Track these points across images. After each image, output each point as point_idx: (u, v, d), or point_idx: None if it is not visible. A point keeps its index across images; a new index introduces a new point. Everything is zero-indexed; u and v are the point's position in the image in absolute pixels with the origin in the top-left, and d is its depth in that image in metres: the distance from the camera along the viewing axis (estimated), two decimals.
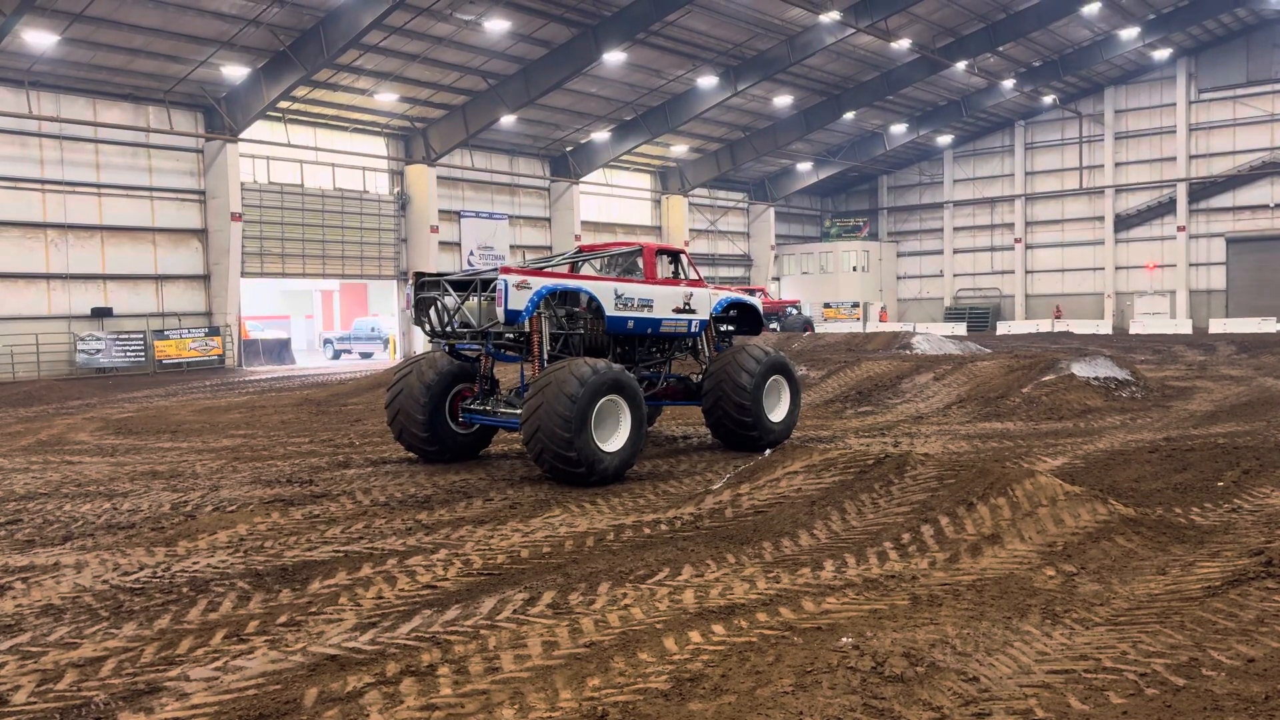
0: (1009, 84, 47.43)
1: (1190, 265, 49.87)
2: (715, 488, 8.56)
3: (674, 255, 12.00)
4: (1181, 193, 49.69)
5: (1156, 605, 5.26)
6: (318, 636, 5.04)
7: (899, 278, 60.95)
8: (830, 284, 59.48)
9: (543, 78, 35.93)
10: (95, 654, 4.86)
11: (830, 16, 34.89)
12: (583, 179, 46.31)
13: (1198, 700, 4.04)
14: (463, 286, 10.31)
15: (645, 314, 10.98)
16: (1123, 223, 52.22)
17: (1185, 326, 46.22)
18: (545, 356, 10.04)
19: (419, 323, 10.74)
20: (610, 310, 10.60)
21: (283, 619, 5.37)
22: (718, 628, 4.96)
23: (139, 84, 31.15)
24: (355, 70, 33.44)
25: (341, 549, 6.94)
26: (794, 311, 45.90)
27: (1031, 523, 6.70)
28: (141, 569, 6.50)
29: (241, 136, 33.41)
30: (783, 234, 60.58)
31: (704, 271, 56.02)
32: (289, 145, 35.68)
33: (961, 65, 42.55)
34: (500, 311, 9.62)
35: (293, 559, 6.68)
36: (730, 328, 12.45)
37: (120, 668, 4.67)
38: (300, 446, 12.56)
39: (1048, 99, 51.33)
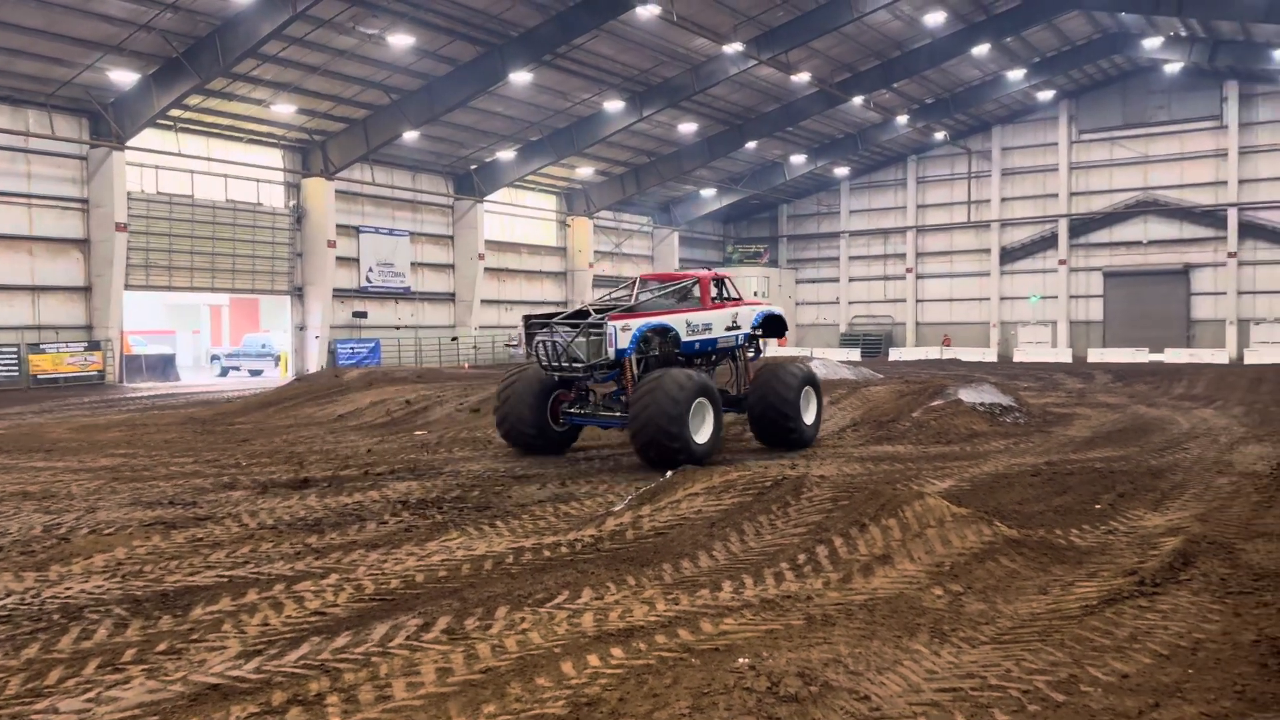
0: (903, 119, 49.25)
1: (1070, 297, 52.36)
2: (616, 509, 8.55)
3: (720, 281, 14.48)
4: (1063, 228, 52.23)
5: (1038, 624, 5.46)
6: (199, 665, 4.83)
7: (797, 304, 62.32)
8: None
9: (448, 95, 35.66)
10: None
11: (733, 48, 35.64)
12: (487, 198, 46.03)
13: (1076, 716, 4.21)
14: (569, 324, 12.72)
15: (707, 335, 13.74)
16: (1008, 255, 54.55)
17: (1066, 355, 48.48)
18: (636, 375, 12.69)
19: (531, 355, 12.96)
20: (684, 337, 13.30)
21: (162, 647, 5.12)
22: (616, 650, 4.94)
23: (18, 86, 29.65)
24: (252, 80, 32.55)
25: (226, 574, 6.68)
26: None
27: (921, 543, 6.90)
28: (8, 595, 6.13)
29: (129, 144, 32.09)
30: (686, 258, 61.25)
31: (600, 293, 56.27)
32: (180, 155, 34.44)
33: (858, 100, 43.99)
34: (611, 351, 12.21)
35: (174, 584, 6.39)
36: (760, 332, 14.89)
37: None
38: (184, 467, 12.06)
39: (939, 135, 53.48)
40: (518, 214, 49.51)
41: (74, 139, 31.57)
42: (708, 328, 13.70)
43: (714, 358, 14.31)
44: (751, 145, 48.35)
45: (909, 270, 58.37)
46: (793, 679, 4.42)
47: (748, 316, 14.38)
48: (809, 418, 14.07)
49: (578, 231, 52.45)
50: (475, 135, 41.66)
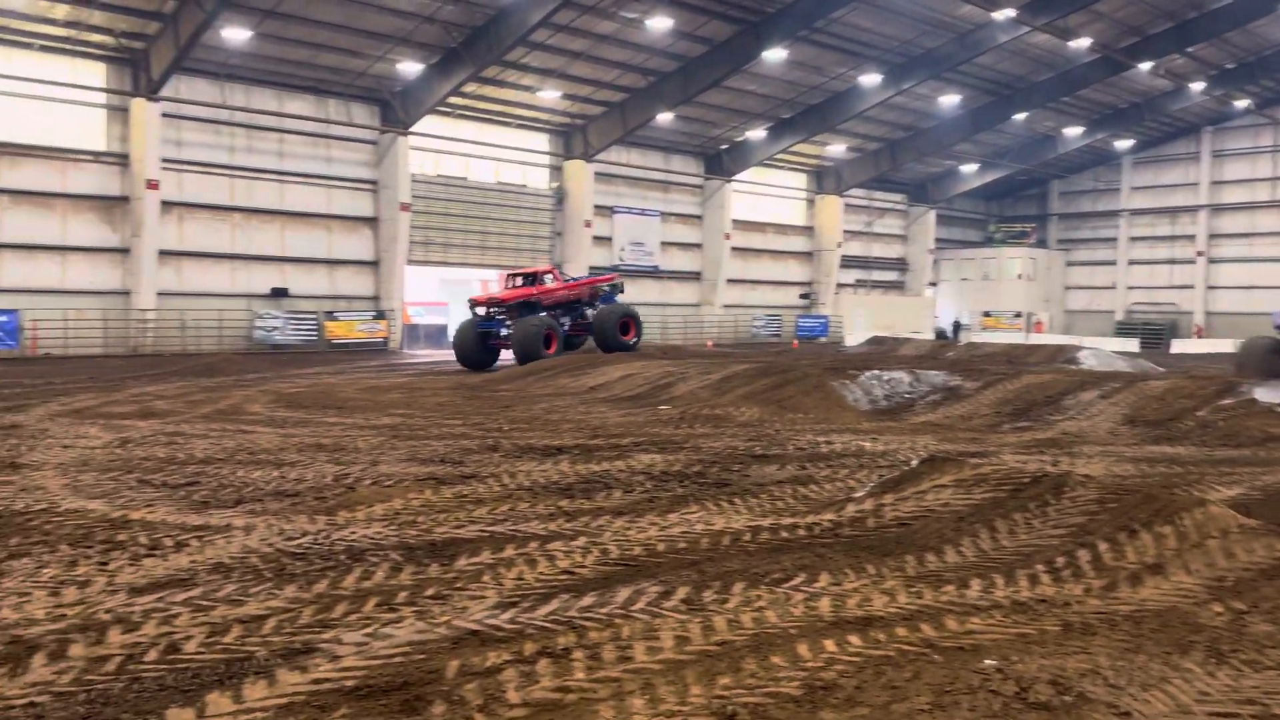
0: (1198, 87, 44.35)
1: None
2: (857, 496, 8.39)
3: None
4: None
5: None
6: (462, 611, 5.23)
7: (1066, 288, 58.03)
8: (991, 292, 57.14)
9: (702, 75, 36.00)
10: (259, 611, 5.20)
11: (1005, 14, 33.51)
12: (735, 177, 46.14)
13: None
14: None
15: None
16: None
17: None
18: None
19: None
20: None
21: (430, 592, 5.59)
22: (854, 638, 4.86)
23: (321, 78, 33.01)
24: (521, 68, 34.40)
25: (487, 529, 7.18)
26: (610, 292, 28.75)
27: (1200, 554, 6.26)
28: (304, 535, 6.90)
29: (413, 130, 34.96)
30: (943, 238, 58.67)
31: (857, 274, 54.89)
32: (456, 139, 37.09)
33: (1146, 66, 40.06)
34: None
35: (442, 535, 6.95)
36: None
37: (280, 626, 4.98)
38: (453, 428, 13.05)
39: (1241, 104, 47.74)
40: (765, 193, 49.29)
41: (367, 125, 34.76)
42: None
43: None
44: (1020, 117, 45.39)
45: (1199, 254, 52.78)
46: (1044, 686, 4.17)
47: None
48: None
49: (826, 210, 51.46)
50: (727, 115, 41.82)
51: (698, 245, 46.46)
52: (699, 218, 46.29)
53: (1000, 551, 6.63)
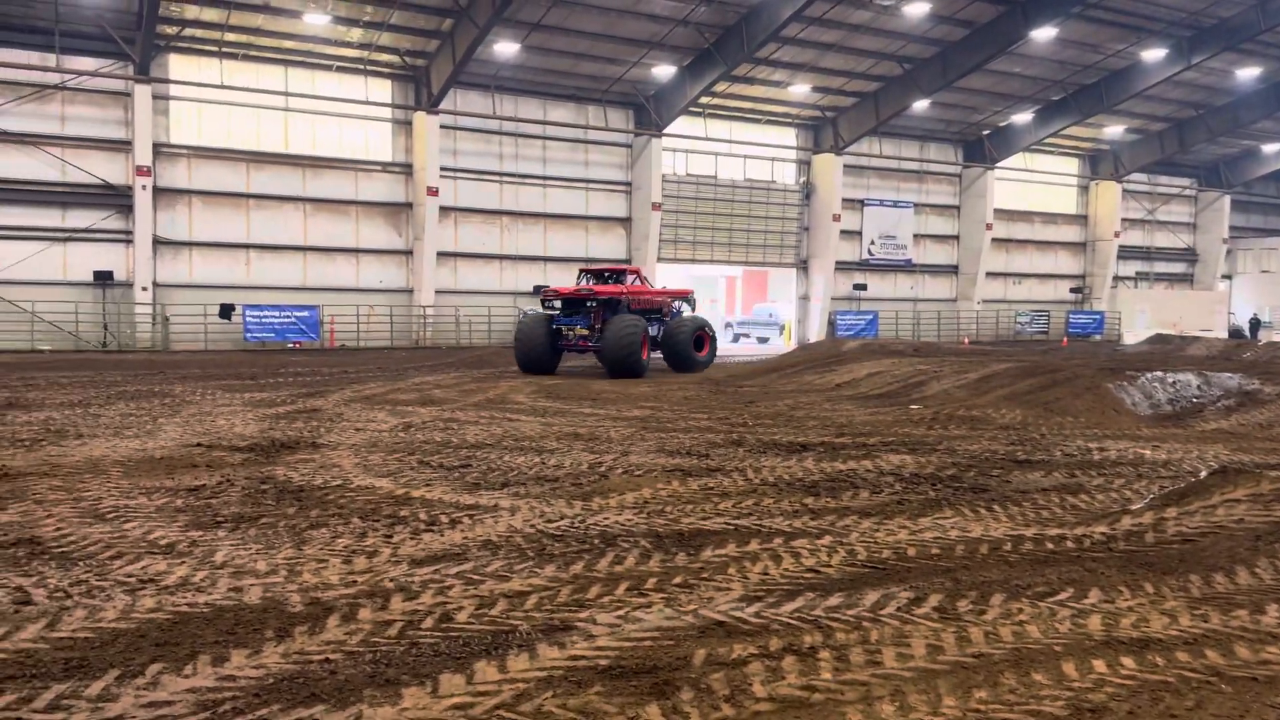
0: None
1: None
2: (1135, 508, 7.73)
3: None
4: None
5: None
6: (708, 601, 5.33)
7: None
8: None
9: (962, 59, 34.41)
10: (522, 588, 5.55)
11: None
12: (999, 164, 43.73)
13: None
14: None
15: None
16: None
17: None
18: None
19: None
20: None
21: (677, 580, 5.74)
22: (1127, 660, 4.50)
23: (581, 85, 34.56)
24: (771, 63, 34.36)
25: (732, 522, 7.25)
26: (683, 307, 24.86)
27: None
28: (562, 518, 7.29)
29: (665, 131, 35.83)
30: (1239, 226, 52.77)
31: (1137, 266, 50.47)
32: (706, 139, 37.63)
33: None
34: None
35: (688, 525, 7.11)
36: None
37: (540, 603, 5.29)
38: (699, 422, 13.28)
39: None
40: (1031, 180, 46.34)
41: (622, 129, 36.03)
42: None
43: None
44: None
45: None
46: None
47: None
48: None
49: (1102, 197, 47.63)
50: (989, 99, 39.72)
51: (954, 237, 44.44)
52: (956, 208, 44.28)
53: None
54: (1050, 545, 6.74)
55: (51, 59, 27.42)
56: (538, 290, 35.01)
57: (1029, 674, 4.33)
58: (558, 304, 22.22)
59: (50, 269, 28.37)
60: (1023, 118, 41.14)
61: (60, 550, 6.24)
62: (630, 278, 23.37)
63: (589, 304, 21.82)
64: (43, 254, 28.18)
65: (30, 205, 28.07)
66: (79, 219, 28.71)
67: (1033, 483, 9.17)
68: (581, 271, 24.45)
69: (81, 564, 5.94)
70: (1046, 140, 42.91)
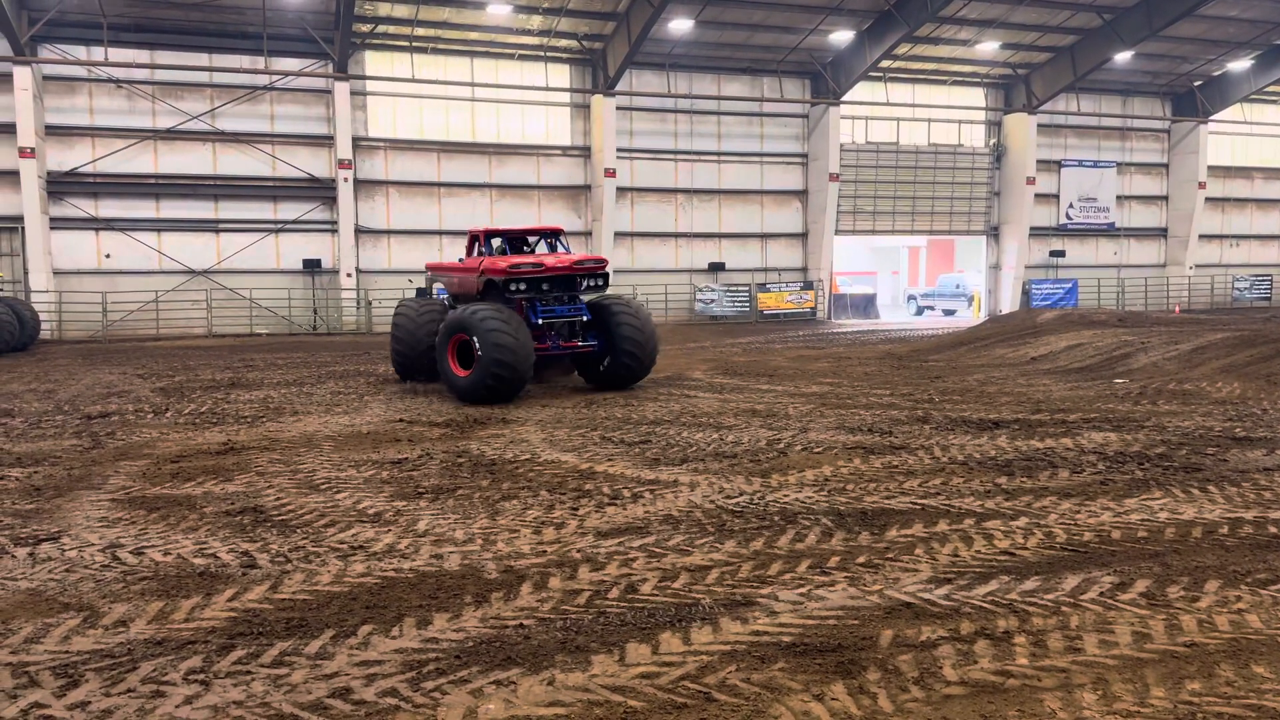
0: None
1: None
2: None
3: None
4: None
5: None
6: (894, 582, 5.22)
7: None
8: None
9: (1169, 5, 31.77)
10: (703, 563, 5.61)
11: None
12: (1212, 118, 40.16)
13: None
14: None
15: None
16: None
17: None
18: None
19: None
20: None
21: (861, 559, 5.65)
22: None
23: (756, 57, 34.15)
24: (957, 21, 32.82)
25: (918, 501, 7.06)
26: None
27: None
28: (741, 494, 7.30)
29: (843, 99, 34.93)
30: None
31: None
32: (887, 104, 36.44)
33: None
34: None
35: (871, 504, 6.97)
36: None
37: (722, 578, 5.33)
38: (881, 398, 12.95)
39: None
40: (1252, 134, 42.25)
41: (798, 99, 35.39)
42: None
43: None
44: None
45: None
46: None
47: None
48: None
49: None
50: (1200, 47, 36.48)
51: (1162, 198, 41.19)
52: (1164, 166, 40.98)
53: None
54: (1273, 529, 6.21)
55: (261, 62, 29.59)
56: (712, 267, 35.06)
57: (1248, 665, 4.02)
58: (531, 285, 13.91)
59: (265, 258, 30.76)
60: (1240, 65, 37.54)
61: (280, 518, 6.81)
62: (559, 242, 15.64)
63: (588, 281, 14.37)
64: (258, 244, 30.59)
65: (246, 199, 30.50)
66: (289, 211, 30.96)
67: (1253, 462, 8.43)
68: (478, 235, 15.26)
69: (299, 531, 6.46)
70: (1268, 89, 39.01)
